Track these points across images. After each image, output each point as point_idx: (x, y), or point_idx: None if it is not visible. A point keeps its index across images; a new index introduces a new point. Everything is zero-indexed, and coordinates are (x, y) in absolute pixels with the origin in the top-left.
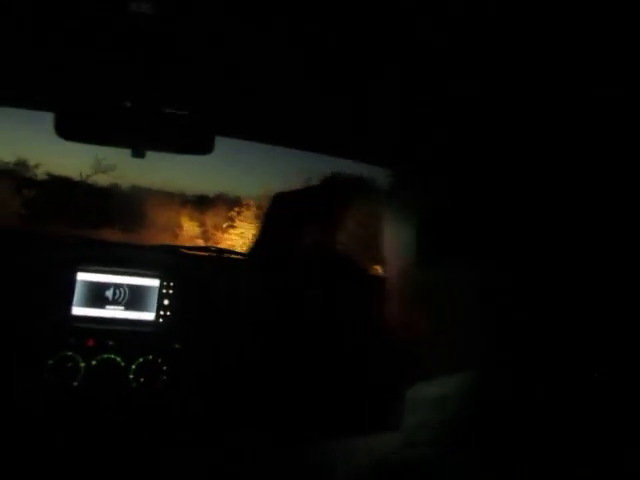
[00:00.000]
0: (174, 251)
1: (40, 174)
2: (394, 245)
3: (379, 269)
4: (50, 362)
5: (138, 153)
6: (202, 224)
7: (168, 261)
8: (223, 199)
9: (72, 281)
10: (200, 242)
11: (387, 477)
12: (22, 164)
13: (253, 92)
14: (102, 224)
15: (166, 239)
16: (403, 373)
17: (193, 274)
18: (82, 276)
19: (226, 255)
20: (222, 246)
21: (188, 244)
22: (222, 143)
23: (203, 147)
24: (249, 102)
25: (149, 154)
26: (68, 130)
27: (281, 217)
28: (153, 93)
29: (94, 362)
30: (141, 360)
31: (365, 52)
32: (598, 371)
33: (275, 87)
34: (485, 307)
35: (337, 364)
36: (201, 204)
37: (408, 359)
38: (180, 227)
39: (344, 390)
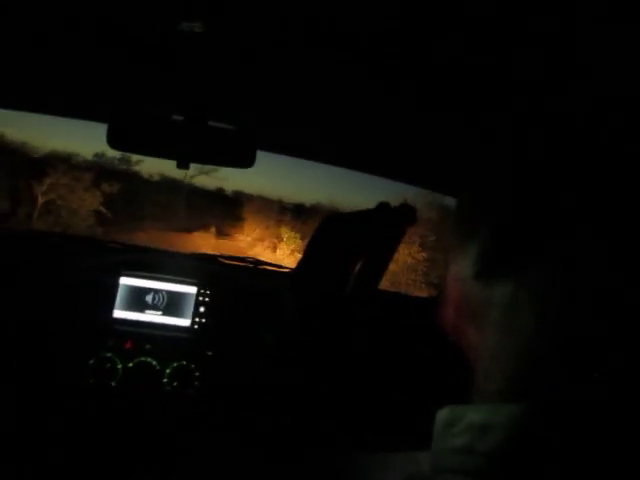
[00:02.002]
0: (212, 259)
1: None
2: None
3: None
4: (91, 362)
5: (183, 165)
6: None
7: (205, 269)
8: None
9: (115, 285)
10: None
11: None
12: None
13: (297, 109)
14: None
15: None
16: (453, 393)
17: (229, 283)
18: (125, 280)
19: (263, 267)
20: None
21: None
22: None
23: (245, 161)
24: (291, 118)
25: None
26: (118, 141)
27: (332, 239)
28: (199, 107)
29: (131, 364)
30: (175, 365)
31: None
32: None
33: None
34: (553, 328)
35: (376, 380)
36: (299, 213)
37: (460, 379)
38: (279, 237)
39: (384, 405)
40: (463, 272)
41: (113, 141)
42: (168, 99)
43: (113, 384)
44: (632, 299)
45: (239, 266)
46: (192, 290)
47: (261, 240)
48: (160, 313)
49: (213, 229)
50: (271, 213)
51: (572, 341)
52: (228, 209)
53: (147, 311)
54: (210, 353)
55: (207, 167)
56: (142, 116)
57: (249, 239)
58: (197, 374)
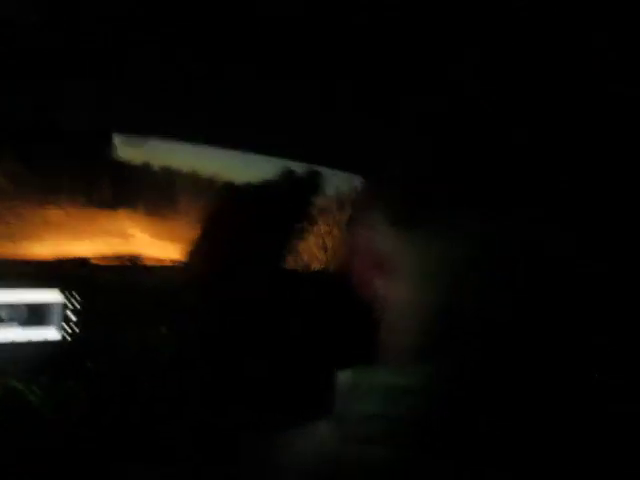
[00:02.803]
0: (82, 262)
1: None
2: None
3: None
4: None
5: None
6: None
7: (74, 273)
8: None
9: None
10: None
11: (326, 474)
12: None
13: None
14: None
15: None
16: (360, 355)
17: (102, 285)
18: None
19: (142, 263)
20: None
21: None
22: None
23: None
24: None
25: None
26: None
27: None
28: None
29: None
30: (49, 384)
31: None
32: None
33: None
34: (470, 283)
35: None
36: None
37: (364, 337)
38: None
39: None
40: (374, 220)
41: None
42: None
43: None
44: (551, 251)
45: (115, 266)
46: (58, 298)
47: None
48: (20, 328)
49: (141, 207)
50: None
51: (487, 298)
52: (157, 185)
53: (3, 327)
54: (90, 364)
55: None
56: None
57: (185, 220)
58: (76, 390)
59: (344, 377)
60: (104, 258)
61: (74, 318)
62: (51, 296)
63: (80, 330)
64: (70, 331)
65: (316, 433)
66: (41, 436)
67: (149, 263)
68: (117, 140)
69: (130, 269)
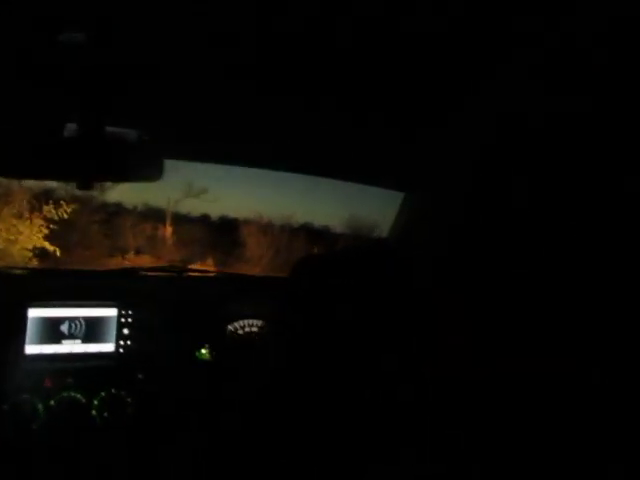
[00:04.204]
0: (131, 274)
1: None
2: None
3: None
4: (4, 407)
5: (84, 185)
6: None
7: (125, 287)
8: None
9: (23, 318)
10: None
11: None
12: None
13: (204, 111)
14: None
15: None
16: None
17: (152, 298)
18: (34, 312)
19: (188, 274)
20: None
21: None
22: None
23: (152, 173)
24: (200, 121)
25: None
26: (3, 166)
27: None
28: (92, 121)
29: (53, 402)
30: (103, 394)
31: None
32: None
33: (231, 103)
34: None
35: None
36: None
37: None
38: None
39: None
40: None
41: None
42: (56, 115)
43: (34, 427)
44: None
45: (162, 277)
46: (112, 313)
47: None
48: (79, 342)
49: (210, 261)
50: (278, 236)
51: None
52: (224, 236)
53: (64, 342)
54: (141, 376)
55: (195, 189)
56: (28, 135)
57: (257, 269)
58: (129, 400)
59: None
60: (152, 270)
61: (127, 331)
62: (106, 311)
63: (132, 343)
64: (123, 344)
65: None
66: (91, 441)
67: (192, 274)
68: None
69: (175, 279)
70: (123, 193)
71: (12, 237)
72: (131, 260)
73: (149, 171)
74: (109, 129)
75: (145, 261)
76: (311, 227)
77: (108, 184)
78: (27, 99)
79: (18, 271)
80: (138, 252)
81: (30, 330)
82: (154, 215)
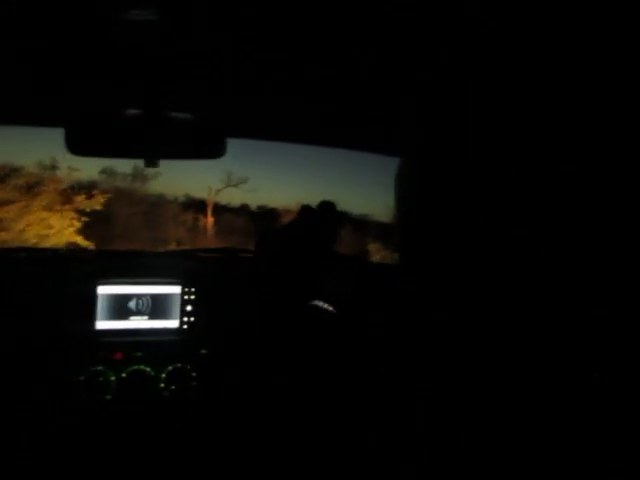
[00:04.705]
0: (190, 255)
1: None
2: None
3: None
4: (81, 378)
5: (151, 162)
6: None
7: (186, 266)
8: None
9: (94, 295)
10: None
11: None
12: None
13: (261, 90)
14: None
15: None
16: None
17: (211, 277)
18: (103, 289)
19: (240, 254)
20: None
21: None
22: None
23: (215, 150)
24: (258, 101)
25: None
26: (79, 145)
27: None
28: (157, 99)
29: (124, 374)
30: (170, 368)
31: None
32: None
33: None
34: None
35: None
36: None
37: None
38: None
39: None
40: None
41: (73, 146)
42: (124, 94)
43: (108, 397)
44: None
45: (218, 257)
46: (176, 290)
47: None
48: (146, 318)
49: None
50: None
51: None
52: (264, 225)
53: (132, 318)
54: (204, 351)
55: (234, 179)
56: (100, 115)
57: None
58: (194, 374)
59: None
60: (209, 251)
61: (190, 308)
62: (171, 288)
63: (195, 319)
64: (187, 320)
65: None
66: (159, 412)
67: (244, 255)
68: None
69: (230, 260)
70: (163, 184)
71: (44, 232)
72: None
73: (211, 149)
74: (173, 111)
75: None
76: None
77: (150, 173)
78: (99, 81)
79: (86, 253)
80: (180, 244)
81: (100, 307)
82: (195, 206)
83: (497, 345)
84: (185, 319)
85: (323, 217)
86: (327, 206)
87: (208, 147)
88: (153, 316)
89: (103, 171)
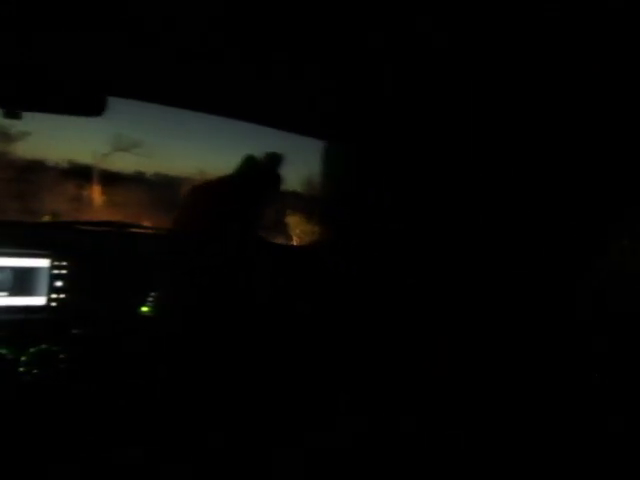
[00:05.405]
0: (67, 227)
1: None
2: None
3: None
4: None
5: (11, 112)
6: None
7: (59, 238)
8: None
9: None
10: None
11: None
12: None
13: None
14: None
15: None
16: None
17: (88, 251)
18: None
19: (128, 229)
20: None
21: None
22: None
23: (93, 107)
24: (147, 57)
25: None
26: None
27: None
28: (27, 47)
29: None
30: (32, 350)
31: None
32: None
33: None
34: None
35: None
36: None
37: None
38: None
39: None
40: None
41: None
42: None
43: None
44: None
45: (101, 232)
46: (44, 263)
47: None
48: (6, 294)
49: (148, 224)
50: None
51: None
52: (162, 196)
53: None
54: (76, 331)
55: (123, 143)
56: None
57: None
58: (62, 356)
59: None
60: (90, 224)
61: (60, 284)
62: (38, 261)
63: (67, 296)
64: (56, 297)
65: None
66: (19, 399)
67: (133, 230)
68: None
69: (115, 235)
70: (38, 147)
71: None
72: None
73: (88, 104)
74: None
75: None
76: None
77: (17, 133)
78: None
79: None
80: (56, 216)
81: None
82: (78, 173)
83: (497, 345)
84: (54, 296)
85: (268, 174)
86: (275, 160)
87: (86, 103)
88: (15, 292)
89: None
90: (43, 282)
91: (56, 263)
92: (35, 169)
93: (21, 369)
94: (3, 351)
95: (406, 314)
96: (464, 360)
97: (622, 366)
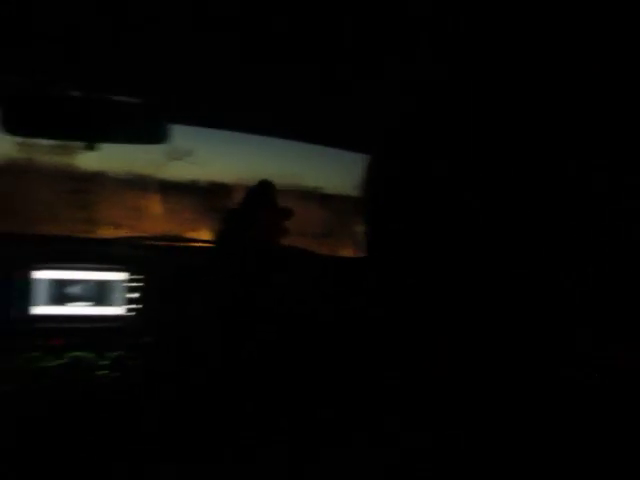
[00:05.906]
0: (138, 242)
1: None
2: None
3: None
4: (14, 364)
5: (89, 146)
6: None
7: (132, 253)
8: None
9: (28, 280)
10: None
11: None
12: None
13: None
14: None
15: None
16: None
17: (159, 265)
18: (40, 274)
19: (194, 244)
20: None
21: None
22: None
23: (157, 136)
24: (205, 88)
25: None
26: (15, 125)
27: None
28: (102, 82)
29: (61, 361)
30: (111, 356)
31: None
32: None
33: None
34: None
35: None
36: None
37: None
38: None
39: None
40: None
41: (8, 125)
42: (65, 75)
43: (44, 384)
44: None
45: (166, 246)
46: (120, 277)
47: None
48: (89, 304)
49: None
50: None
51: None
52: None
53: (72, 303)
54: (148, 340)
55: (179, 152)
56: (39, 96)
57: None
58: (134, 362)
59: None
60: (161, 240)
61: (134, 296)
62: (115, 275)
63: (138, 307)
64: (129, 308)
65: None
66: (98, 401)
67: (195, 245)
68: None
69: (183, 250)
70: (94, 160)
71: None
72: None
73: (154, 135)
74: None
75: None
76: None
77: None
78: (38, 60)
79: (26, 236)
80: (117, 227)
81: (38, 292)
82: (136, 183)
83: (497, 345)
84: (129, 306)
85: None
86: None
87: (151, 134)
88: (96, 303)
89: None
90: (120, 294)
91: (131, 276)
92: (96, 180)
93: (101, 372)
94: (87, 355)
95: (406, 314)
96: (464, 360)
97: (620, 366)
